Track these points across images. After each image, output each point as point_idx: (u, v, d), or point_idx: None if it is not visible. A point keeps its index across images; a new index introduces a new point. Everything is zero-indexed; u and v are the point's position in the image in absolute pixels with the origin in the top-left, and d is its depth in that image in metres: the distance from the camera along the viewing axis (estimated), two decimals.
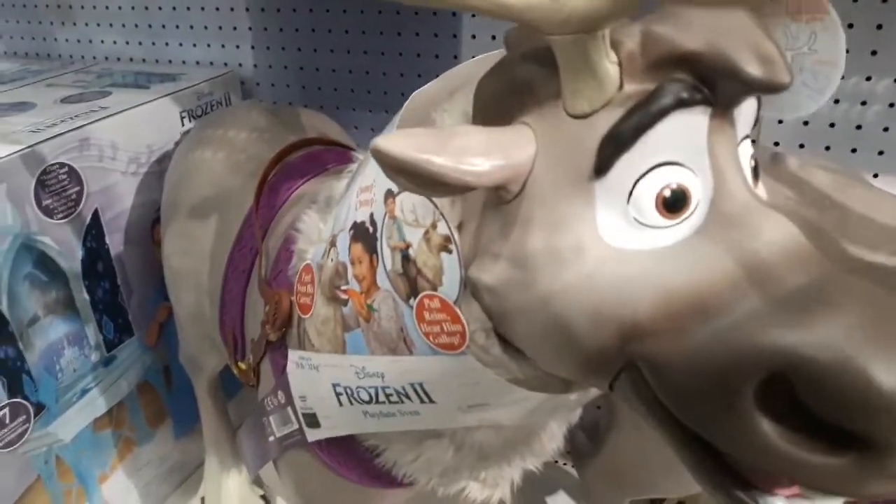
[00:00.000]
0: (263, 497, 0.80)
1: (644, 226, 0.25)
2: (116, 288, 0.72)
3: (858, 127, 0.62)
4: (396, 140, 0.24)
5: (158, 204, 0.71)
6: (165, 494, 0.83)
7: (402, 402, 0.35)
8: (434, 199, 0.30)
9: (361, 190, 0.35)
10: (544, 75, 0.26)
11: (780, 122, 0.64)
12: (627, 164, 0.25)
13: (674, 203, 0.25)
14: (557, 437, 0.41)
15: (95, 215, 0.68)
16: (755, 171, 0.28)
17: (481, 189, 0.27)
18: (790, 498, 0.24)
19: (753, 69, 0.24)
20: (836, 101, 0.62)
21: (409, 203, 0.31)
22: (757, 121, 0.28)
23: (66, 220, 0.65)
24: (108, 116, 0.68)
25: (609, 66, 0.25)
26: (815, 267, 0.24)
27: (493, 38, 0.72)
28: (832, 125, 0.63)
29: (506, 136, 0.26)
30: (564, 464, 0.81)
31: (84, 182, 0.66)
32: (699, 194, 0.25)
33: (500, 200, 0.28)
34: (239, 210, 0.53)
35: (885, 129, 0.61)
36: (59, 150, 0.63)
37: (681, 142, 0.25)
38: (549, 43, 0.25)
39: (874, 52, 0.59)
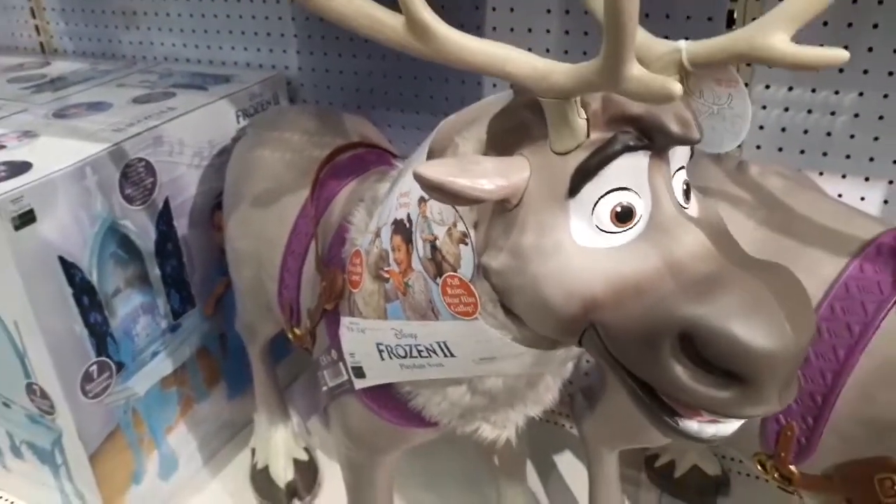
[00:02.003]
0: (306, 449, 0.90)
1: (602, 232, 0.36)
2: (182, 265, 0.83)
3: (828, 134, 0.71)
4: (430, 168, 0.35)
5: (218, 192, 0.82)
6: (220, 446, 0.94)
7: (430, 356, 0.45)
8: (455, 206, 0.41)
9: (400, 195, 0.45)
10: (537, 121, 0.36)
11: (762, 127, 0.73)
12: (591, 189, 0.35)
13: (623, 216, 0.35)
14: (553, 389, 0.52)
15: (166, 202, 0.79)
16: (686, 192, 0.38)
17: (490, 200, 0.37)
18: (702, 422, 0.34)
19: (675, 127, 0.35)
20: (809, 112, 0.70)
21: (437, 207, 0.42)
22: (692, 155, 0.38)
23: (142, 206, 0.76)
24: (176, 117, 0.78)
25: (579, 121, 0.35)
26: (714, 262, 0.34)
27: (512, 10, 0.80)
28: (805, 132, 0.71)
29: (508, 165, 0.37)
30: (571, 427, 0.91)
31: (157, 174, 0.77)
32: (641, 210, 0.36)
33: (503, 209, 0.38)
34: (295, 202, 0.64)
35: (851, 137, 0.70)
36: (138, 146, 0.74)
37: (629, 174, 0.35)
38: (539, 100, 0.35)
39: (841, 71, 0.68)
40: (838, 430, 0.48)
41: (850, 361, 0.47)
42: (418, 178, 0.35)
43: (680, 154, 0.37)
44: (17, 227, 0.64)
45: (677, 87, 0.31)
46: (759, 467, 0.53)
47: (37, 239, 0.66)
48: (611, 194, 0.35)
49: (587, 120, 0.35)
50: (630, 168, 0.35)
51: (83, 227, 0.70)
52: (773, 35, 0.34)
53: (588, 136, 0.35)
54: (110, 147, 0.71)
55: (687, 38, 0.37)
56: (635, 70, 0.31)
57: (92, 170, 0.70)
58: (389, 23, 0.35)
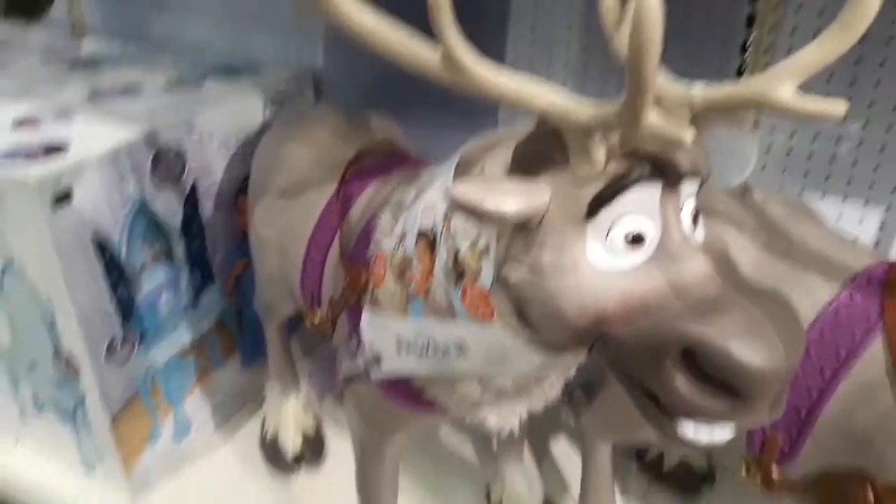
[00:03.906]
0: (315, 421, 0.94)
1: (615, 254, 0.39)
2: (205, 246, 0.86)
3: (832, 159, 0.74)
4: (461, 188, 0.38)
5: (242, 178, 0.85)
6: (231, 413, 0.98)
7: (446, 354, 0.49)
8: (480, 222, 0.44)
9: (426, 207, 0.49)
10: (559, 149, 0.40)
11: (768, 150, 0.76)
12: (607, 214, 0.39)
13: (635, 240, 0.39)
14: (556, 387, 0.56)
15: (193, 186, 0.82)
16: (695, 219, 0.42)
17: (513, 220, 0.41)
18: (698, 429, 0.38)
19: (685, 165, 0.39)
20: (815, 137, 0.74)
21: (461, 222, 0.45)
22: (702, 185, 0.41)
23: (171, 189, 0.80)
24: (207, 106, 0.81)
25: (598, 153, 0.38)
26: (716, 287, 0.38)
27: (532, 44, 0.84)
28: (810, 156, 0.75)
29: (531, 188, 0.40)
30: (567, 416, 0.96)
31: (187, 159, 0.80)
32: (651, 236, 0.39)
33: (525, 227, 0.41)
34: (320, 197, 0.67)
35: (854, 164, 0.73)
36: (170, 133, 0.77)
37: (642, 203, 0.39)
38: (563, 132, 0.39)
39: (849, 100, 0.71)
40: (819, 442, 0.52)
41: (834, 381, 0.51)
42: (451, 197, 0.38)
43: (690, 186, 0.41)
44: (54, 206, 0.68)
45: (688, 136, 0.34)
46: (743, 470, 0.57)
47: (72, 218, 0.69)
48: (625, 221, 0.39)
49: (606, 152, 0.38)
50: (643, 198, 0.39)
51: (115, 208, 0.74)
52: (781, 86, 0.37)
53: (606, 165, 0.39)
54: (144, 133, 0.74)
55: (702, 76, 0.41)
56: (652, 118, 0.34)
57: (126, 154, 0.73)
58: (426, 56, 0.38)
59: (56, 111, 0.80)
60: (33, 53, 1.05)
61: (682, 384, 0.36)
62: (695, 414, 0.37)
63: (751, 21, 0.71)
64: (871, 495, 0.48)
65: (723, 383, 0.35)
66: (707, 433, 0.38)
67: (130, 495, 0.86)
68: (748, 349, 0.34)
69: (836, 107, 0.36)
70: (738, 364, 0.34)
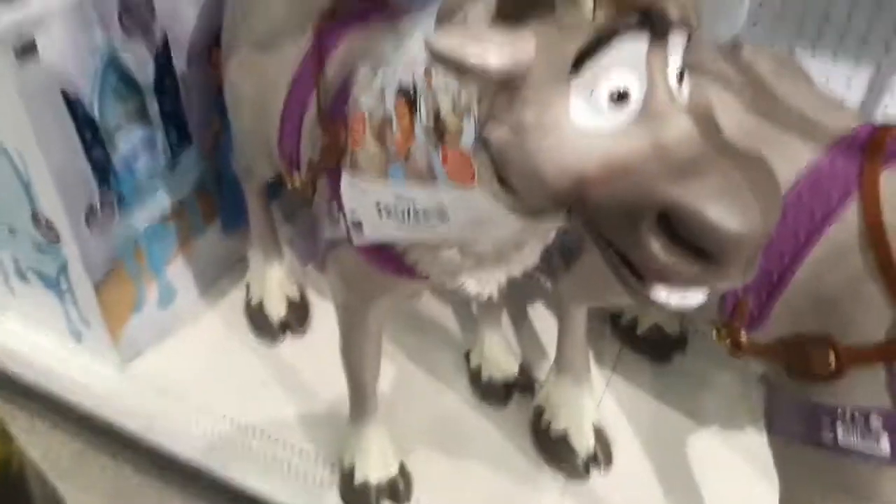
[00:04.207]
0: (298, 287, 0.96)
1: (599, 112, 0.38)
2: (180, 102, 0.84)
3: (826, 15, 0.71)
4: (440, 39, 0.36)
5: (216, 29, 0.81)
6: (215, 279, 0.99)
7: (427, 219, 0.49)
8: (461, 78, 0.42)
9: (406, 60, 0.46)
10: None
11: (761, 4, 0.73)
12: (592, 68, 0.37)
13: (619, 97, 0.38)
14: (535, 253, 0.56)
15: (165, 38, 0.79)
16: (680, 76, 0.40)
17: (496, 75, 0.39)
18: (670, 292, 0.39)
19: (674, 13, 0.37)
20: None
21: (443, 78, 0.43)
22: (690, 38, 0.40)
23: (142, 40, 0.76)
24: None
25: (588, 3, 0.36)
26: (697, 148, 0.37)
27: None
28: (804, 11, 0.72)
29: (515, 38, 0.38)
30: (545, 281, 0.98)
31: (156, 7, 0.76)
32: (636, 94, 0.38)
33: (507, 84, 0.40)
34: (296, 48, 0.64)
35: (848, 18, 0.70)
36: None
37: (628, 56, 0.37)
38: None
39: None
40: (789, 306, 0.53)
41: (808, 245, 0.51)
42: (429, 48, 0.36)
43: (677, 41, 0.39)
44: (19, 58, 0.65)
45: None
46: (714, 333, 0.59)
47: (39, 70, 0.67)
48: (611, 74, 0.37)
49: (594, 3, 0.36)
50: (629, 52, 0.37)
51: (84, 60, 0.71)
52: None
53: (594, 15, 0.37)
54: None
55: None
56: None
57: (91, 1, 0.69)
58: None
59: None
60: None
61: (657, 248, 0.36)
62: (668, 278, 0.37)
63: None
64: (832, 357, 0.50)
65: (696, 247, 0.35)
66: (679, 297, 0.39)
67: (119, 362, 0.88)
68: (723, 212, 0.34)
69: None
70: (711, 227, 0.34)
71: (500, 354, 0.85)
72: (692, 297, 0.39)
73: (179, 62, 0.82)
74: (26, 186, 0.75)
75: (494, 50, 0.37)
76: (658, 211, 0.35)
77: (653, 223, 0.36)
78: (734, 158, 0.37)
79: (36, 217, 0.77)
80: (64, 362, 0.89)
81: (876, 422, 0.48)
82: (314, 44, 0.62)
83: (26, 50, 0.65)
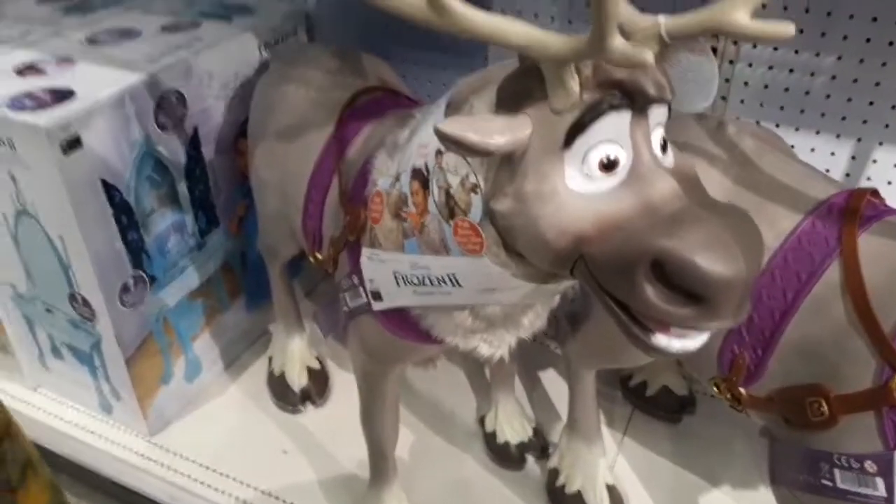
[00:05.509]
0: (318, 358, 1.00)
1: (591, 179, 0.42)
2: (209, 188, 0.90)
3: (807, 93, 0.77)
4: (449, 125, 0.41)
5: (241, 121, 0.88)
6: (239, 353, 1.04)
7: (441, 285, 0.53)
8: (468, 158, 0.48)
9: (419, 146, 0.52)
10: (538, 85, 0.43)
11: (746, 83, 0.79)
12: (583, 142, 0.42)
13: (608, 165, 0.42)
14: (542, 317, 0.60)
15: (195, 130, 0.85)
16: (664, 146, 0.45)
17: (499, 153, 0.44)
18: (670, 338, 0.42)
19: (651, 90, 0.42)
20: (791, 71, 0.77)
21: (452, 159, 0.48)
22: (669, 113, 0.45)
23: (174, 133, 0.82)
24: (205, 49, 0.83)
25: (574, 84, 0.41)
26: (682, 204, 0.41)
27: None
28: (786, 90, 0.78)
29: (513, 122, 0.43)
30: (556, 348, 1.01)
31: (188, 103, 0.83)
32: (624, 161, 0.42)
33: (509, 160, 0.45)
34: (318, 138, 0.70)
35: (827, 97, 0.76)
36: (171, 77, 0.79)
37: (614, 129, 0.42)
38: (541, 66, 0.42)
39: (823, 34, 0.73)
40: (781, 360, 0.57)
41: (795, 303, 0.55)
42: (438, 133, 0.41)
43: (658, 113, 0.44)
44: (65, 152, 0.71)
45: (650, 57, 0.37)
46: (714, 389, 0.62)
47: (82, 162, 0.72)
48: (599, 147, 0.42)
49: (580, 83, 0.42)
50: (615, 124, 0.42)
51: (122, 152, 0.77)
52: (736, 12, 0.39)
53: (581, 97, 0.42)
54: (146, 77, 0.77)
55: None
56: (617, 42, 0.37)
57: (130, 99, 0.76)
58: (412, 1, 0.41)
59: (58, 57, 0.82)
60: None
61: (652, 294, 0.39)
62: (665, 321, 0.40)
63: None
64: (825, 405, 0.53)
65: (689, 292, 0.39)
66: (679, 342, 0.42)
67: (147, 434, 0.92)
68: (711, 259, 0.38)
69: (786, 28, 0.39)
70: (701, 272, 0.38)
71: (514, 419, 0.88)
72: (691, 342, 0.42)
73: (208, 152, 0.88)
74: (66, 269, 0.80)
75: (496, 131, 0.42)
76: (651, 260, 0.39)
77: (647, 272, 0.39)
78: (717, 211, 0.41)
79: (73, 296, 0.82)
80: (93, 434, 0.92)
81: (871, 466, 0.51)
82: (335, 134, 0.68)
83: (72, 144, 0.71)
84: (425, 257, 0.53)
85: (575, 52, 0.39)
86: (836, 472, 0.52)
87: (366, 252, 0.59)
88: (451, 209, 0.49)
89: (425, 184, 0.51)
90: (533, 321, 0.59)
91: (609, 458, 0.85)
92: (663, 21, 0.40)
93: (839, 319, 0.53)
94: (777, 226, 0.57)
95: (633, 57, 0.38)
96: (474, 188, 0.48)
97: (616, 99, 0.42)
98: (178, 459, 0.89)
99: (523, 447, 0.87)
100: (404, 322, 0.60)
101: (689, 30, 0.41)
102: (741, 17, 0.39)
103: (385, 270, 0.57)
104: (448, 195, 0.49)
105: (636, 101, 0.42)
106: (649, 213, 0.41)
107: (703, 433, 0.90)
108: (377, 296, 0.60)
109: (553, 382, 0.98)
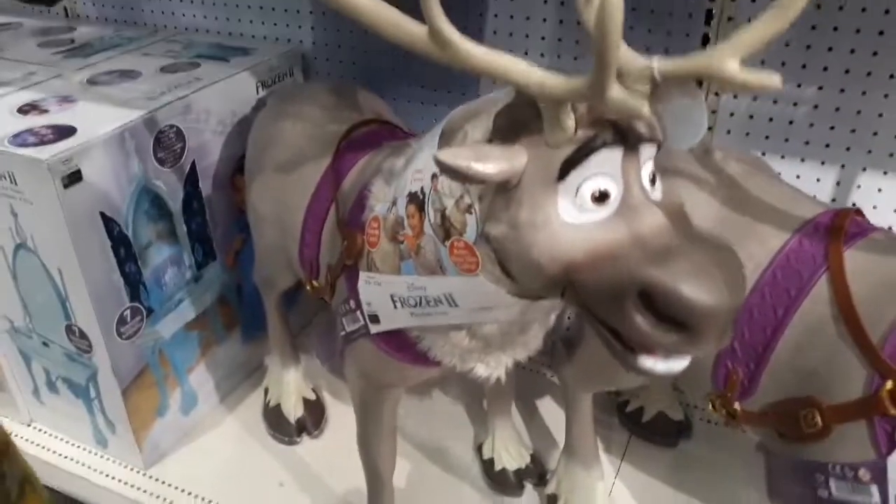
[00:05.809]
0: (314, 389, 1.00)
1: (583, 210, 0.44)
2: (206, 222, 0.91)
3: (790, 122, 0.79)
4: (447, 154, 0.43)
5: (238, 157, 0.90)
6: (235, 385, 1.04)
7: (437, 305, 0.54)
8: (464, 184, 0.49)
9: (415, 171, 0.53)
10: (534, 118, 0.44)
11: (732, 114, 0.82)
12: (576, 175, 0.43)
13: (600, 198, 0.44)
14: (538, 337, 0.61)
15: (193, 165, 0.87)
16: (653, 180, 0.47)
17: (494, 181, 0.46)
18: (656, 360, 0.43)
19: (643, 130, 0.44)
20: (775, 102, 0.79)
21: (447, 183, 0.50)
22: (659, 149, 0.46)
23: (172, 169, 0.84)
24: (203, 87, 0.86)
25: (570, 121, 0.43)
26: (669, 236, 0.43)
27: (511, 17, 0.89)
28: (770, 119, 0.80)
29: (509, 153, 0.45)
30: (552, 376, 1.02)
31: (186, 140, 0.84)
32: (615, 194, 0.44)
33: (504, 187, 0.46)
34: (315, 171, 0.72)
35: (811, 125, 0.78)
36: (169, 114, 0.81)
37: (606, 164, 0.44)
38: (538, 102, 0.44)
39: (804, 66, 0.76)
40: (774, 375, 0.58)
41: (785, 319, 0.56)
42: (438, 162, 0.43)
43: (648, 150, 0.46)
44: (66, 186, 0.72)
45: (646, 108, 0.40)
46: (709, 405, 0.63)
47: (82, 196, 0.74)
48: (591, 180, 0.44)
49: (575, 120, 0.43)
50: (607, 160, 0.44)
51: (122, 187, 0.78)
52: (726, 61, 0.41)
53: (576, 132, 0.44)
54: (145, 114, 0.79)
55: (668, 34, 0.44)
56: (615, 91, 0.39)
57: (130, 135, 0.77)
58: (415, 33, 0.43)
59: (60, 97, 0.84)
60: (30, 38, 1.09)
61: (641, 321, 0.41)
62: (652, 346, 0.42)
63: None
64: (818, 416, 0.54)
65: (674, 319, 0.40)
66: (664, 365, 0.43)
67: (143, 467, 0.91)
68: (695, 289, 0.39)
69: (772, 79, 0.40)
70: (686, 302, 0.39)
71: (511, 445, 0.88)
72: (675, 364, 0.43)
73: (206, 187, 0.90)
74: (63, 301, 0.80)
75: (493, 161, 0.44)
76: (638, 289, 0.40)
77: (635, 300, 0.41)
78: (702, 244, 0.42)
79: (70, 328, 0.83)
80: (88, 468, 0.92)
81: (865, 474, 0.51)
82: (332, 165, 0.70)
83: (73, 178, 0.73)
84: (422, 278, 0.54)
85: (573, 94, 0.41)
86: (832, 481, 0.53)
87: (363, 276, 0.60)
88: (446, 230, 0.51)
89: (421, 207, 0.53)
90: (530, 342, 0.60)
91: (607, 484, 0.85)
92: (657, 65, 0.42)
93: (829, 333, 0.54)
94: (766, 244, 0.58)
95: (630, 107, 0.40)
96: (469, 209, 0.49)
97: (609, 136, 0.43)
98: (174, 492, 0.88)
99: (521, 474, 0.87)
100: (402, 344, 0.61)
101: (680, 73, 0.42)
102: (731, 66, 0.40)
103: (382, 293, 0.59)
104: (444, 217, 0.51)
105: (628, 139, 0.44)
106: (638, 244, 0.42)
107: (700, 457, 0.91)
108: (375, 319, 0.61)
109: (550, 410, 0.98)
